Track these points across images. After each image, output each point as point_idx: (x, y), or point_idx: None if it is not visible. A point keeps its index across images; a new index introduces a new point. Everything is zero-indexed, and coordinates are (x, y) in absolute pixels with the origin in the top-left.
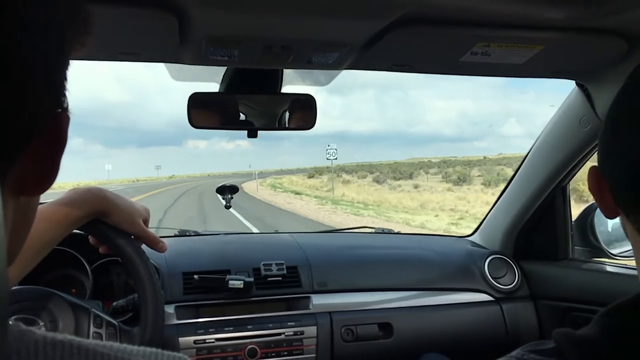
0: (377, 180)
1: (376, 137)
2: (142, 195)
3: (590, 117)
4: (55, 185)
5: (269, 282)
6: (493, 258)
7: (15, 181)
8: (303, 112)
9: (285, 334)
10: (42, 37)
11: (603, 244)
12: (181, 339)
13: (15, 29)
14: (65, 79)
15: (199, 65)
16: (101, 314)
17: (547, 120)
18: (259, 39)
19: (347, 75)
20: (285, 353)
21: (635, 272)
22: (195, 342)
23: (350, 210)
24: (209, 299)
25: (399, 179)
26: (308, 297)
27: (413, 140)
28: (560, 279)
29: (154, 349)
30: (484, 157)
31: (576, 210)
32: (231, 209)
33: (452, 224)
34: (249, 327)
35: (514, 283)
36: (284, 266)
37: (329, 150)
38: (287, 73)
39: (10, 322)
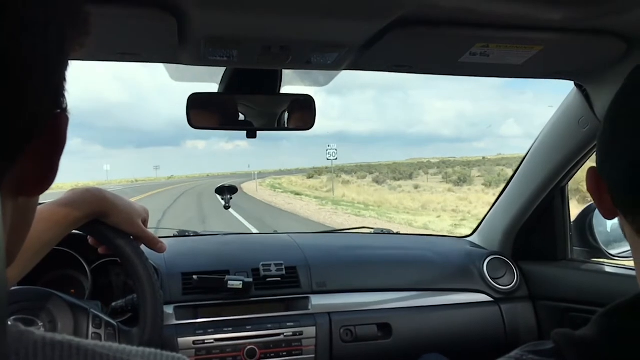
0: (376, 181)
1: (375, 137)
2: (141, 195)
3: (589, 118)
4: (53, 185)
5: (268, 283)
6: (492, 258)
7: (15, 182)
8: (302, 112)
9: (284, 334)
10: (42, 38)
11: (602, 245)
12: (180, 340)
13: (15, 29)
14: (64, 79)
15: (198, 65)
16: (100, 315)
17: (546, 121)
18: (258, 39)
19: (346, 76)
20: (284, 353)
21: (633, 273)
22: (194, 342)
23: (351, 211)
24: (208, 299)
25: (398, 180)
26: (307, 298)
27: (412, 140)
28: (559, 279)
29: (152, 350)
30: (483, 158)
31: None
32: (231, 210)
33: (455, 225)
34: (248, 327)
35: (513, 283)
36: (283, 267)
37: (329, 151)
38: (286, 73)
39: (9, 323)
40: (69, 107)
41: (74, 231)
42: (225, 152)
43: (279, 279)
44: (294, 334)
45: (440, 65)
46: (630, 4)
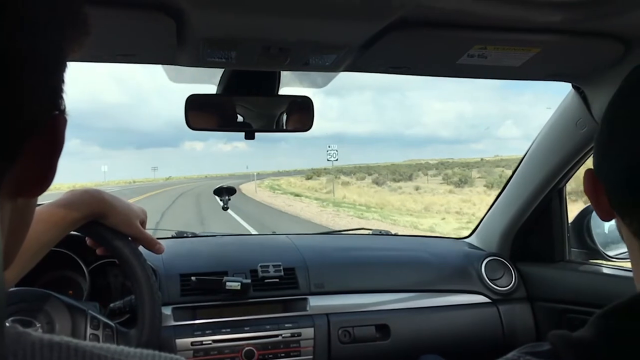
0: (376, 182)
1: (373, 138)
2: (139, 196)
3: (587, 120)
4: (51, 186)
5: (266, 284)
6: (490, 260)
7: (13, 183)
8: (300, 113)
9: (283, 335)
10: (41, 38)
11: (599, 246)
12: (178, 341)
13: (15, 30)
14: (63, 80)
15: (197, 67)
16: (98, 316)
17: (544, 123)
18: (256, 40)
19: (345, 77)
20: (283, 355)
21: (631, 274)
22: (192, 343)
23: (353, 213)
24: (206, 300)
25: (398, 181)
26: (305, 299)
27: (410, 142)
28: (556, 280)
29: (150, 351)
30: (481, 159)
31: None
32: (231, 212)
33: (462, 227)
34: (246, 328)
35: (511, 285)
36: (281, 268)
37: (329, 152)
38: (285, 75)
39: (7, 324)
40: (67, 109)
41: (72, 232)
42: (224, 153)
43: (277, 280)
44: (292, 335)
45: (438, 66)
46: (628, 6)
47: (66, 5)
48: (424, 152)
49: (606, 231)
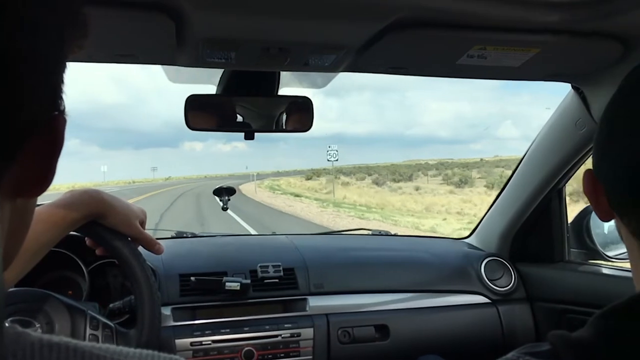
0: (376, 182)
1: (373, 139)
2: (138, 197)
3: (586, 120)
4: (51, 186)
5: (266, 284)
6: (489, 260)
7: (12, 183)
8: (300, 114)
9: (282, 335)
10: (41, 38)
11: (599, 246)
12: (178, 341)
13: (15, 30)
14: (62, 81)
15: (196, 67)
16: (97, 316)
17: (543, 123)
18: (256, 41)
19: (344, 78)
20: (282, 355)
21: (630, 274)
22: (191, 344)
23: (354, 213)
24: (205, 300)
25: (398, 181)
26: (305, 299)
27: (409, 142)
28: (556, 281)
29: (150, 351)
30: (481, 159)
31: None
32: (232, 213)
33: (464, 228)
34: (245, 329)
35: (510, 285)
36: (281, 268)
37: (329, 152)
38: (284, 75)
39: (7, 324)
40: (66, 109)
41: (71, 232)
42: (223, 153)
43: (277, 280)
44: (292, 335)
45: (438, 67)
46: (627, 6)
47: (66, 6)
48: (423, 152)
49: (606, 231)
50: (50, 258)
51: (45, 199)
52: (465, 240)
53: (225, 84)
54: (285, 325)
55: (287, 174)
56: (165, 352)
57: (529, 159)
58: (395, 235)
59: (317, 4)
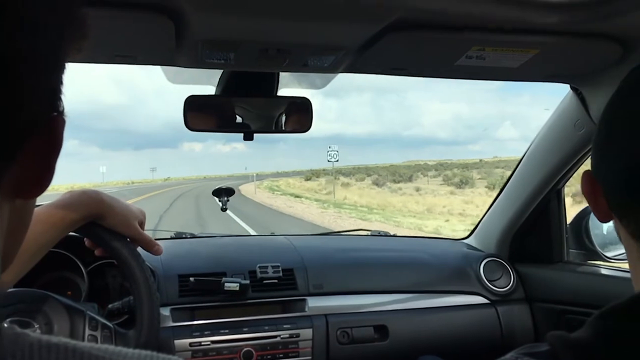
0: (376, 183)
1: (372, 139)
2: (137, 197)
3: (585, 121)
4: (50, 187)
5: (265, 285)
6: (488, 261)
7: (11, 184)
8: (299, 114)
9: (281, 336)
10: (41, 39)
11: (598, 247)
12: (177, 342)
13: (15, 30)
14: (61, 82)
15: (195, 68)
16: (96, 317)
17: (542, 124)
18: (255, 42)
19: (343, 78)
20: (281, 355)
21: (629, 275)
22: (190, 344)
23: (355, 214)
24: (204, 301)
25: (398, 182)
26: (304, 300)
27: (408, 143)
28: (555, 281)
29: (149, 352)
30: (480, 160)
31: None
32: (232, 214)
33: (467, 230)
34: (244, 329)
35: (509, 286)
36: (280, 268)
37: (330, 152)
38: (283, 76)
39: (5, 325)
40: (65, 110)
41: (70, 233)
42: (222, 154)
43: (276, 280)
44: (291, 335)
45: (437, 68)
46: (626, 7)
47: (66, 6)
48: (422, 153)
49: (604, 232)
50: (49, 259)
51: (44, 199)
52: (464, 240)
53: (225, 85)
54: (284, 326)
55: (287, 174)
56: (164, 353)
57: (528, 160)
58: (394, 235)
59: (315, 5)
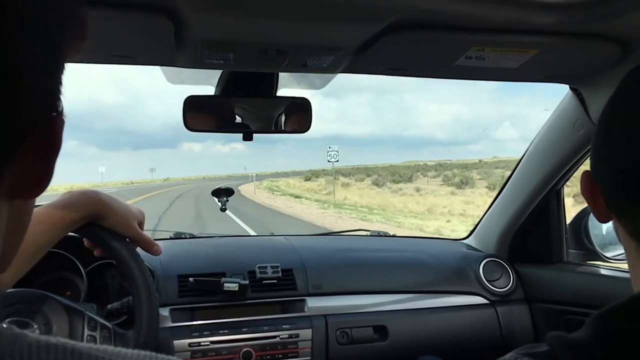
0: (376, 183)
1: (371, 140)
2: (136, 197)
3: (584, 121)
4: (49, 187)
5: (264, 285)
6: (488, 261)
7: (10, 184)
8: (298, 115)
9: (281, 336)
10: (41, 39)
11: (597, 247)
12: (176, 342)
13: (15, 30)
14: (61, 82)
15: (195, 68)
16: (95, 317)
17: (541, 124)
18: (254, 42)
19: (342, 79)
20: (280, 356)
21: (628, 275)
22: (190, 344)
23: (356, 215)
24: (204, 301)
25: (398, 182)
26: (303, 300)
27: (408, 143)
28: (554, 282)
29: (148, 352)
30: (480, 160)
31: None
32: (231, 214)
33: (468, 230)
34: (244, 329)
35: (509, 286)
36: (279, 269)
37: (330, 152)
38: (283, 76)
39: (4, 325)
40: (65, 110)
41: (69, 233)
42: (222, 154)
43: (275, 281)
44: (290, 336)
45: (436, 68)
46: (625, 7)
47: (66, 6)
48: (422, 153)
49: (604, 232)
50: (48, 259)
51: (43, 199)
52: (464, 241)
53: (224, 85)
54: (284, 326)
55: (286, 174)
56: (164, 353)
57: (528, 160)
58: (393, 236)
59: (314, 6)
